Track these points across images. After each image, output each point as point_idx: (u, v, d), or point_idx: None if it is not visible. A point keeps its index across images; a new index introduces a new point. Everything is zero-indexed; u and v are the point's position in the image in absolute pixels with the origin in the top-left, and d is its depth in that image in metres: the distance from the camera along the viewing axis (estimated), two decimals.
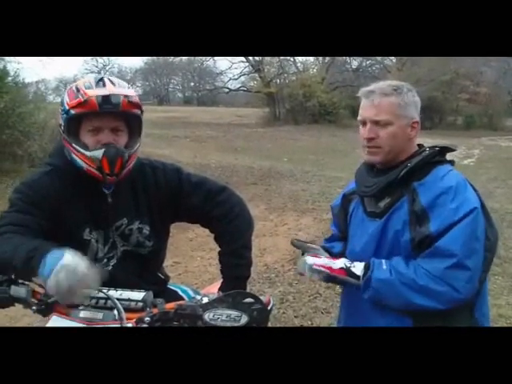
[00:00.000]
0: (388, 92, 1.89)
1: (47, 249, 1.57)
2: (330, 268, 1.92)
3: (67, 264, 1.49)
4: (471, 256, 1.75)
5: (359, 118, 1.93)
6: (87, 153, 1.82)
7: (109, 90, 1.80)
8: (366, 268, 1.85)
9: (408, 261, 1.81)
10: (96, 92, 1.78)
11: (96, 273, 1.54)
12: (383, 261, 1.85)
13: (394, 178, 1.87)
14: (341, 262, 1.92)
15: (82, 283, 1.51)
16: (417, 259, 1.80)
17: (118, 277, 1.86)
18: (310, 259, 1.97)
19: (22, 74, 12.04)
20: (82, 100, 1.77)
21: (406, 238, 1.83)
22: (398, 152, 1.90)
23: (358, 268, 1.88)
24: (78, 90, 1.81)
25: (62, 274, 1.48)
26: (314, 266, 1.94)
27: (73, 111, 1.80)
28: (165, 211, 2.03)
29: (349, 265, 1.89)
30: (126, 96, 1.80)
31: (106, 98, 1.77)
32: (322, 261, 1.95)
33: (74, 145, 1.83)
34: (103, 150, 1.81)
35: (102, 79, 1.84)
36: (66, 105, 1.82)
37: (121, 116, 1.85)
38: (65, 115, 1.83)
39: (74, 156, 1.85)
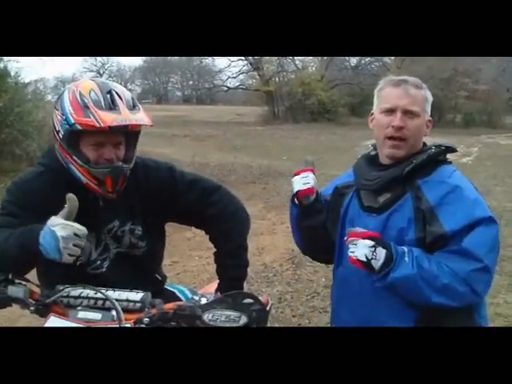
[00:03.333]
0: (419, 85, 1.89)
1: (33, 234, 1.67)
2: (352, 260, 1.80)
3: (65, 235, 1.61)
4: (494, 260, 1.78)
5: (386, 105, 1.88)
6: (91, 169, 1.80)
7: (123, 116, 1.75)
8: (388, 260, 1.75)
9: (428, 255, 1.77)
10: (111, 118, 1.72)
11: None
12: (405, 251, 1.77)
13: (399, 174, 1.85)
14: (362, 251, 1.78)
15: (83, 240, 1.64)
16: (436, 255, 1.77)
17: (113, 278, 1.85)
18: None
19: (21, 74, 12.04)
20: (97, 126, 1.71)
21: (411, 236, 1.81)
22: (415, 148, 1.89)
23: (378, 260, 1.76)
24: (86, 105, 1.75)
25: (69, 244, 1.61)
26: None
27: (79, 127, 1.75)
28: (158, 211, 2.00)
29: (370, 257, 1.77)
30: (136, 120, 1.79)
31: (121, 126, 1.74)
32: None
33: (74, 157, 1.81)
34: (109, 169, 1.80)
35: (109, 92, 1.78)
36: (70, 117, 1.76)
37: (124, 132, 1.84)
38: (67, 126, 1.77)
39: (72, 167, 1.83)
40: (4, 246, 1.69)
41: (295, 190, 2.12)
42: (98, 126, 1.72)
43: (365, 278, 1.87)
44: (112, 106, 1.77)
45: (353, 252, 1.80)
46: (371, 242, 1.77)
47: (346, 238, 1.86)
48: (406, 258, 1.76)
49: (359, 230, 1.84)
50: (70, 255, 1.61)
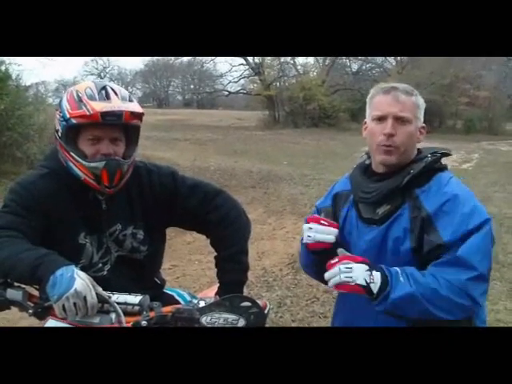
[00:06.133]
0: (409, 91, 1.89)
1: (54, 263, 1.62)
2: (347, 286, 1.75)
3: (79, 292, 1.56)
4: (488, 268, 1.75)
5: (377, 113, 1.88)
6: (86, 163, 1.81)
7: (114, 103, 1.79)
8: (384, 283, 1.72)
9: (420, 270, 1.75)
10: (101, 106, 1.76)
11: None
12: (399, 271, 1.75)
13: (397, 185, 1.84)
14: (361, 275, 1.73)
15: (89, 310, 1.59)
16: (431, 268, 1.75)
17: (113, 281, 1.86)
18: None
19: (22, 77, 12.06)
20: (87, 114, 1.75)
21: (406, 246, 1.81)
22: (407, 155, 1.88)
23: (376, 284, 1.72)
24: (80, 99, 1.79)
25: (72, 300, 1.56)
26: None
27: (74, 120, 1.79)
28: (160, 215, 2.01)
29: (369, 280, 1.72)
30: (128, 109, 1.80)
31: (110, 112, 1.77)
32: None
33: (71, 153, 1.82)
34: (104, 162, 1.80)
35: (104, 88, 1.83)
36: (66, 112, 1.80)
37: (121, 126, 1.85)
38: (64, 123, 1.81)
39: (70, 164, 1.84)
40: (16, 258, 1.66)
41: (304, 241, 1.95)
42: (88, 114, 1.75)
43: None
44: (105, 98, 1.80)
45: (350, 277, 1.74)
46: (366, 266, 1.74)
47: (333, 262, 1.79)
48: (401, 278, 1.73)
49: (346, 253, 1.82)
50: (63, 307, 1.56)
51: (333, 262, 1.79)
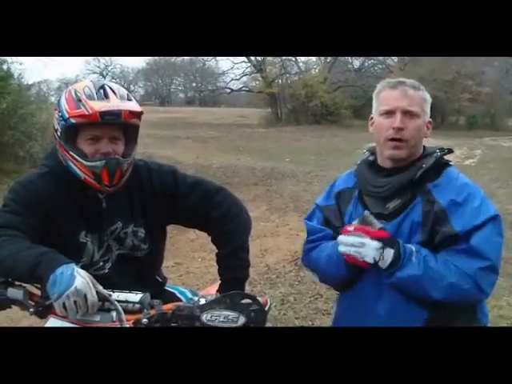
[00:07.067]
0: (416, 86, 1.91)
1: (54, 261, 1.62)
2: (354, 259, 1.77)
3: (79, 290, 1.56)
4: (499, 259, 1.79)
5: (385, 107, 1.89)
6: (86, 163, 1.81)
7: (112, 103, 1.79)
8: (395, 259, 1.74)
9: (436, 255, 1.78)
10: (99, 105, 1.76)
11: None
12: (414, 252, 1.76)
13: (410, 179, 1.85)
14: (371, 253, 1.74)
15: (90, 308, 1.58)
16: (444, 254, 1.78)
17: (115, 279, 1.86)
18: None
19: (24, 76, 12.14)
20: (86, 113, 1.76)
21: (416, 239, 1.82)
22: (416, 149, 1.90)
23: (386, 261, 1.75)
24: (79, 99, 1.79)
25: (72, 299, 1.55)
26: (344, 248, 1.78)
27: (73, 120, 1.79)
28: (160, 213, 2.01)
29: (378, 259, 1.74)
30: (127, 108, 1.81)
31: (109, 111, 1.77)
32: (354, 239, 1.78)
33: (71, 153, 1.83)
34: (104, 161, 1.80)
35: (102, 87, 1.83)
36: (65, 112, 1.81)
37: (120, 125, 1.85)
38: (63, 122, 1.82)
39: (70, 163, 1.84)
40: (17, 257, 1.66)
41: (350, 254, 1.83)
42: (87, 113, 1.75)
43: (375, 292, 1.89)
44: (104, 97, 1.80)
45: (359, 253, 1.77)
46: (380, 244, 1.77)
47: (349, 229, 1.82)
48: (414, 258, 1.76)
49: (369, 226, 1.80)
50: (63, 305, 1.56)
51: (349, 229, 1.83)
